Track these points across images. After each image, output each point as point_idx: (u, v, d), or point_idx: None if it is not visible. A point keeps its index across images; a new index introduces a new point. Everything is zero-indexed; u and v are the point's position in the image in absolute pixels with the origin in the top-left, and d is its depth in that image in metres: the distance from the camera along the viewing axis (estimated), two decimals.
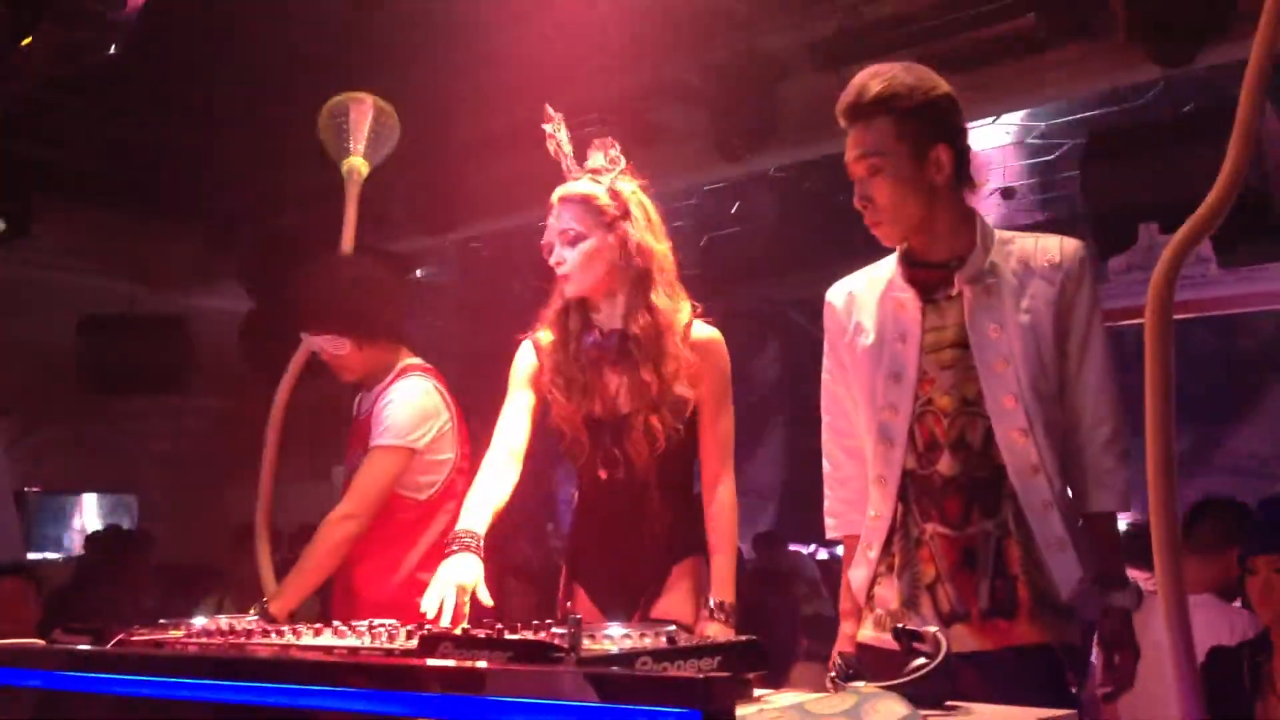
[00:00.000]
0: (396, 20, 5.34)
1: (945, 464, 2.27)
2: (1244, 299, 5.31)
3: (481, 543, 2.42)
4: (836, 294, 2.50)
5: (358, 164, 3.29)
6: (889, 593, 2.32)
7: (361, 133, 3.25)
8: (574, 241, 2.57)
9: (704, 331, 2.65)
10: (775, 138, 5.88)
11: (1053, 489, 2.23)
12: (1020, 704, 1.79)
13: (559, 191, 2.63)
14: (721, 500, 2.60)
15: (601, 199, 2.59)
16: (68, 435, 9.24)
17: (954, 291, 2.30)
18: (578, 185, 2.61)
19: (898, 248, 2.39)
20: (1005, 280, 2.29)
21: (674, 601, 2.56)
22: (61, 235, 8.08)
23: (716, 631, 2.44)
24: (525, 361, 2.71)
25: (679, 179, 7.42)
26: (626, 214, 2.60)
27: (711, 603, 2.52)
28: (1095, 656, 2.35)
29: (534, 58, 5.62)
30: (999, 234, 2.36)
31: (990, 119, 6.41)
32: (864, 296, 2.43)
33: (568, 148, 2.62)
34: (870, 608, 2.37)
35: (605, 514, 2.63)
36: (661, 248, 2.64)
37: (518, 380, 2.68)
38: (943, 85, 2.32)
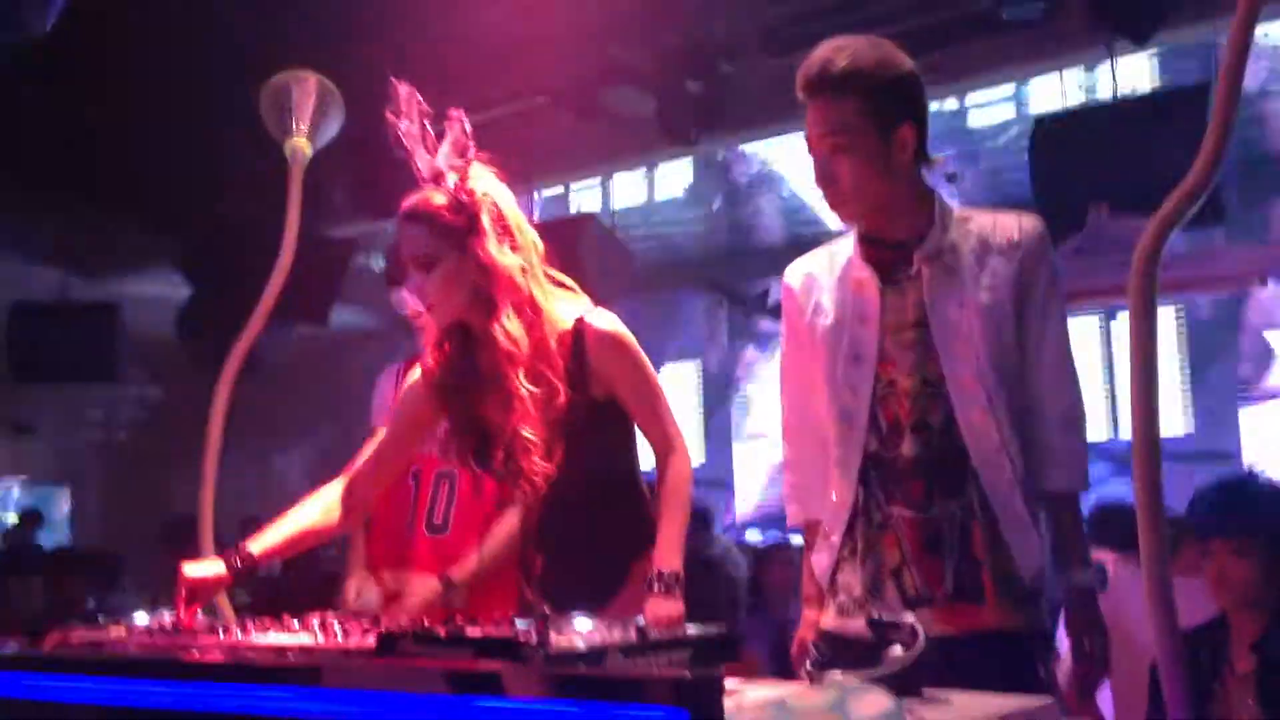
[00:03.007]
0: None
1: (908, 446, 2.23)
2: (1193, 283, 5.37)
3: (242, 557, 2.25)
4: (793, 275, 2.44)
5: (301, 145, 3.18)
6: (852, 579, 2.28)
7: (305, 112, 3.13)
8: (429, 266, 2.29)
9: (596, 324, 2.36)
10: (723, 122, 5.85)
11: (1015, 469, 2.20)
12: (988, 690, 1.76)
13: (404, 204, 2.31)
14: (669, 471, 2.37)
15: (445, 214, 2.28)
16: None
17: (913, 271, 2.26)
18: (422, 199, 2.30)
19: (855, 227, 2.35)
20: (964, 259, 2.25)
21: (633, 600, 2.34)
22: None
23: (659, 606, 2.23)
24: (386, 393, 2.57)
25: (627, 162, 7.40)
26: (476, 227, 2.28)
27: (652, 574, 2.29)
28: (1063, 642, 2.32)
29: (481, 40, 5.54)
30: (957, 212, 2.32)
31: (939, 102, 6.42)
32: (822, 277, 2.38)
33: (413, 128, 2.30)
34: (833, 594, 2.33)
35: (544, 532, 2.45)
36: (510, 261, 2.29)
37: (383, 413, 2.55)
38: (907, 62, 2.27)
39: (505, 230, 2.32)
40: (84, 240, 8.30)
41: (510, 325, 2.28)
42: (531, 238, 2.37)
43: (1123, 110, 5.29)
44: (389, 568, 3.10)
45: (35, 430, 8.51)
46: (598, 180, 8.55)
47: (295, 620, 1.87)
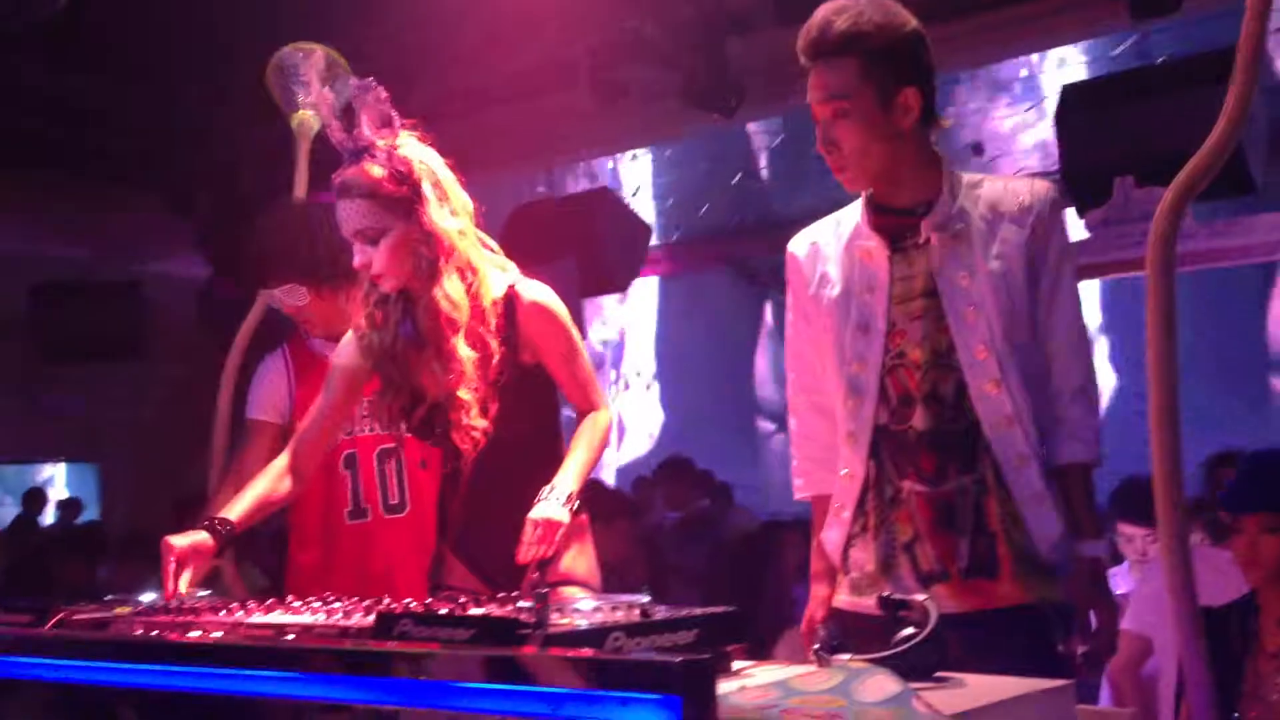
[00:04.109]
0: None
1: (919, 419, 2.18)
2: (1219, 253, 5.27)
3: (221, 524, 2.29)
4: (799, 244, 2.40)
5: (308, 118, 3.14)
6: (865, 555, 2.25)
7: (312, 85, 3.09)
8: (375, 239, 2.29)
9: (528, 294, 2.37)
10: (740, 93, 5.77)
11: (1029, 441, 2.16)
12: (1005, 667, 1.73)
13: (339, 177, 2.30)
14: (588, 418, 2.39)
15: (387, 186, 2.28)
16: (22, 405, 9.08)
17: (922, 239, 2.21)
18: (359, 174, 2.28)
19: (862, 194, 2.30)
20: (974, 226, 2.20)
21: (568, 562, 2.38)
22: (11, 200, 7.88)
23: (544, 509, 2.19)
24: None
25: (643, 137, 7.33)
26: (418, 195, 2.29)
27: (547, 487, 2.26)
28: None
29: (494, 17, 5.49)
30: (967, 177, 2.27)
31: (965, 73, 6.33)
32: (828, 246, 2.33)
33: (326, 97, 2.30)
34: (845, 570, 2.29)
35: (468, 491, 2.41)
36: (452, 226, 2.33)
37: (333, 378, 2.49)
38: (911, 21, 2.20)
39: (444, 195, 2.33)
40: (105, 219, 8.31)
41: (452, 289, 2.31)
42: (464, 201, 2.39)
43: (1151, 78, 5.19)
44: (318, 559, 2.94)
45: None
46: (615, 155, 8.49)
47: (298, 601, 1.87)
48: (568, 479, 2.26)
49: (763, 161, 8.87)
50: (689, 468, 7.27)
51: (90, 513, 9.92)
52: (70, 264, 8.18)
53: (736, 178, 9.15)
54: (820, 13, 2.19)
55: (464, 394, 2.30)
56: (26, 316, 7.80)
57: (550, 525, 2.16)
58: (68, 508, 9.68)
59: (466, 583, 2.34)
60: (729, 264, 10.72)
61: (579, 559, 2.40)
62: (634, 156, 8.38)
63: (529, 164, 6.73)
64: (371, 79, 2.27)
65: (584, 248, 5.54)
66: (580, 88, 5.95)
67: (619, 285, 6.30)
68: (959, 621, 2.02)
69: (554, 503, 2.20)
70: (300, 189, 3.17)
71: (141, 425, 9.61)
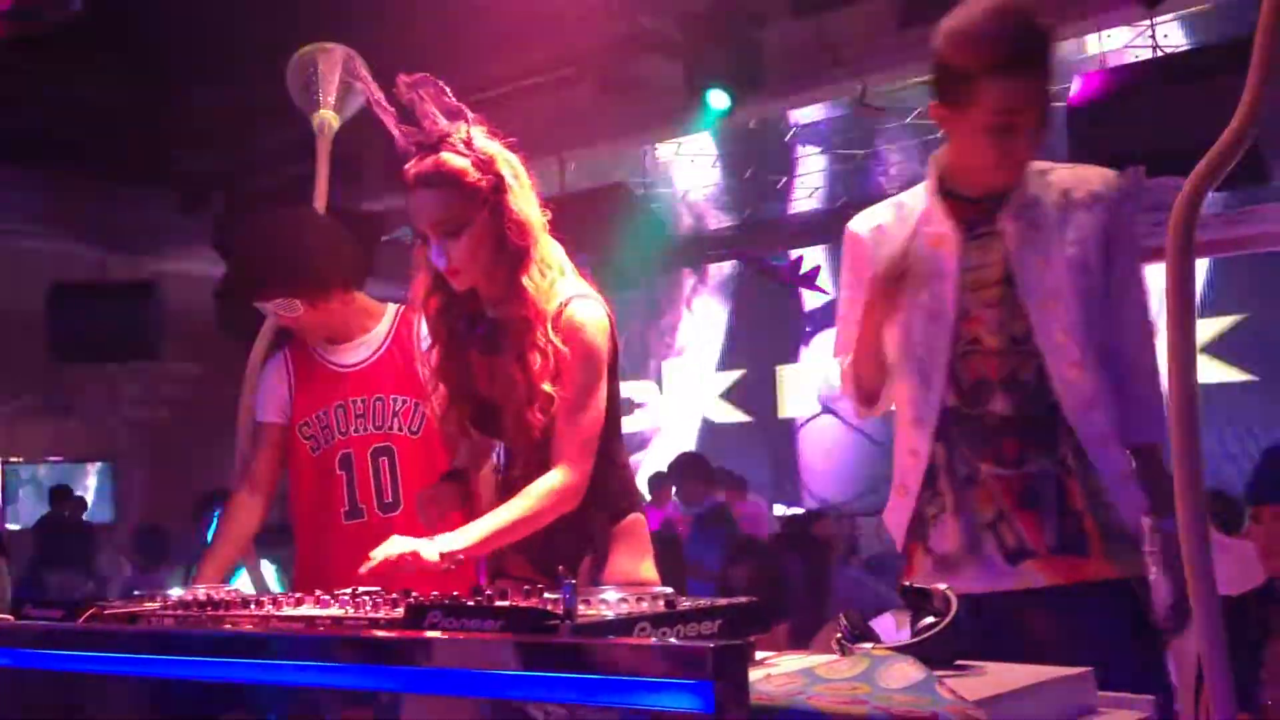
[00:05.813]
0: None
1: (999, 404, 2.19)
2: (1232, 242, 5.27)
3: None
4: (861, 224, 2.38)
5: (328, 117, 3.17)
6: (946, 534, 2.24)
7: (331, 84, 3.11)
8: (455, 231, 2.22)
9: (573, 312, 2.28)
10: (755, 88, 5.77)
11: (1110, 421, 2.18)
12: (1100, 641, 1.77)
13: (415, 169, 2.23)
14: (546, 478, 2.22)
15: (473, 174, 2.22)
16: (38, 404, 9.13)
17: (997, 227, 2.22)
18: (438, 163, 2.22)
19: (928, 179, 2.29)
20: (1048, 213, 2.21)
21: (622, 562, 2.34)
22: (27, 200, 7.92)
23: (395, 542, 2.12)
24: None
25: (656, 131, 7.34)
26: (502, 184, 2.24)
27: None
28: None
29: (509, 10, 5.51)
30: (1034, 165, 2.28)
31: None
32: (893, 230, 2.32)
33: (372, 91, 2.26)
34: (927, 551, 2.28)
35: (521, 487, 2.33)
36: (541, 218, 2.29)
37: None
38: None
39: (525, 186, 2.31)
40: (121, 218, 8.36)
41: (539, 279, 2.27)
42: (543, 208, 2.35)
43: (1162, 70, 5.19)
44: (317, 559, 2.88)
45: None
46: (627, 151, 8.49)
47: (326, 594, 1.88)
48: (457, 536, 2.16)
49: (775, 157, 8.87)
50: (702, 464, 7.28)
51: (104, 511, 9.96)
52: (86, 263, 8.22)
53: (749, 172, 9.15)
54: (997, 7, 2.12)
55: (546, 387, 2.23)
56: (42, 316, 7.83)
57: (407, 558, 2.07)
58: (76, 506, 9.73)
59: (524, 573, 2.34)
60: (746, 261, 10.73)
61: (645, 563, 2.37)
62: (645, 152, 8.38)
63: (541, 160, 6.73)
64: (427, 74, 2.23)
65: (601, 245, 5.55)
66: (593, 82, 5.97)
67: (635, 282, 6.32)
68: (1049, 595, 2.07)
69: (432, 543, 2.11)
70: (321, 188, 3.20)
71: (157, 424, 9.66)
